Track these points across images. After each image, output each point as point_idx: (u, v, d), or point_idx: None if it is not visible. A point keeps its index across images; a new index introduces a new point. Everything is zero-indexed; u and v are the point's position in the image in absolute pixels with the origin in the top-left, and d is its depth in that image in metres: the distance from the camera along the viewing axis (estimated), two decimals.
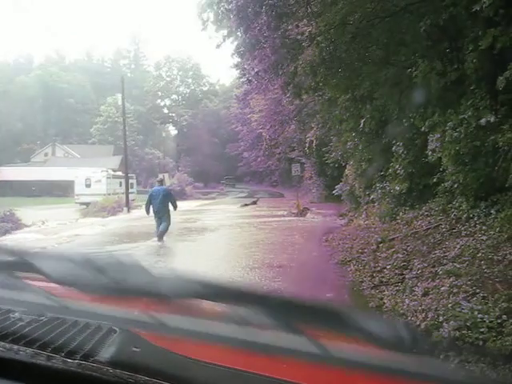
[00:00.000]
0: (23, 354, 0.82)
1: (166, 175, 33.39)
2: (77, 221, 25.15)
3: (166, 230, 14.05)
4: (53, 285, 1.70)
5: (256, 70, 14.94)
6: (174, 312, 1.15)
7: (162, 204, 13.82)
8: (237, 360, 1.12)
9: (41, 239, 16.63)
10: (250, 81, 17.22)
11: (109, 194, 34.15)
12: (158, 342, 0.95)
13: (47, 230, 19.60)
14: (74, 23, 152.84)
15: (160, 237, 13.87)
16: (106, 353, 0.85)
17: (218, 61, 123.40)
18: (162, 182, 15.86)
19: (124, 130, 34.35)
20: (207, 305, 1.21)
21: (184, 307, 1.17)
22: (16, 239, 16.91)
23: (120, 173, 38.64)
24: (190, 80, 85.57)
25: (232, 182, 76.72)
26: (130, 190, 33.92)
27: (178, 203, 15.22)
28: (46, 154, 66.22)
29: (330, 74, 12.28)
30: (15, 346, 0.83)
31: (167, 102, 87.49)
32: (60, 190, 45.88)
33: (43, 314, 0.99)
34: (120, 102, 35.75)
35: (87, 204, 31.55)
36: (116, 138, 62.81)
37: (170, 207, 14.31)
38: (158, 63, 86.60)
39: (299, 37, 12.94)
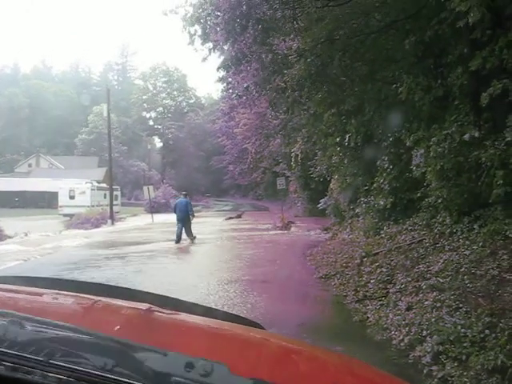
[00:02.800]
0: (2, 368, 0.81)
1: (151, 187, 33.12)
2: (60, 232, 24.93)
3: (191, 231, 17.79)
4: (34, 297, 1.68)
5: (242, 83, 14.98)
6: None
7: (184, 212, 17.55)
8: (229, 356, 1.11)
9: (23, 251, 16.43)
10: (240, 96, 17.24)
11: (93, 206, 33.91)
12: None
13: (30, 242, 19.38)
14: (61, 35, 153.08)
15: (191, 240, 17.64)
16: (95, 360, 0.84)
17: (206, 74, 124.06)
18: (186, 195, 19.01)
19: (109, 142, 34.08)
20: None
21: None
22: None
23: (104, 184, 38.43)
24: (175, 92, 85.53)
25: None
26: (115, 202, 33.70)
27: (162, 216, 16.63)
28: (29, 165, 65.80)
29: (316, 89, 12.36)
30: None
31: (153, 114, 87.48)
32: (44, 202, 45.52)
33: (24, 327, 0.97)
34: (106, 114, 35.57)
35: (71, 216, 31.14)
36: (101, 149, 62.54)
37: None
38: (144, 74, 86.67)
39: (286, 51, 13.02)
